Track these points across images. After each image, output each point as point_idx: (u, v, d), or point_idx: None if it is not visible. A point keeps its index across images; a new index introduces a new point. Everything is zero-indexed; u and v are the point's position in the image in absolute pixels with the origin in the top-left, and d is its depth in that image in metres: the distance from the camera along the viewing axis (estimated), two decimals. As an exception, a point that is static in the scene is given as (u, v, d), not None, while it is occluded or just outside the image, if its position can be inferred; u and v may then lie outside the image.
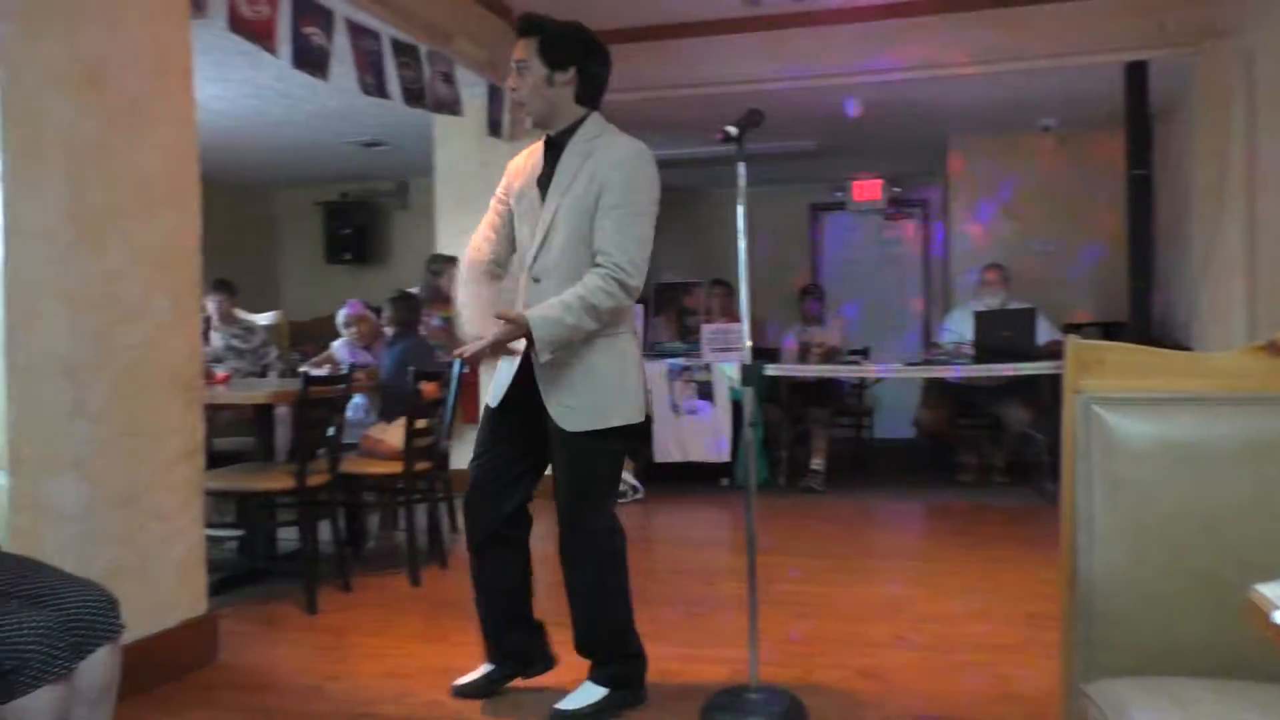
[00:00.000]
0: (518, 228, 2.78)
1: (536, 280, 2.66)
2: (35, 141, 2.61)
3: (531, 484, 2.81)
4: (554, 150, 2.71)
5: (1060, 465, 1.76)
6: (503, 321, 2.56)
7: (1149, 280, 5.61)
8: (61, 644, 1.84)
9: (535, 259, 2.67)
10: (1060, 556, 1.73)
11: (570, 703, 2.71)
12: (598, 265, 2.57)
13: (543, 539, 2.85)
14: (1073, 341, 1.75)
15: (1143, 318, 5.60)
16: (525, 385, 2.68)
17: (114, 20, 2.85)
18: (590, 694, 2.72)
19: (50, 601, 1.97)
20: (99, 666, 2.00)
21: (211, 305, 5.79)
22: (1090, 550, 1.65)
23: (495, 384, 2.79)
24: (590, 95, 2.71)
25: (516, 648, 2.87)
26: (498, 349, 2.63)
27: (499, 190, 2.86)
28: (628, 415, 2.66)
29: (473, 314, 2.77)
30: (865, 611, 3.70)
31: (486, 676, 2.86)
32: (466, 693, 2.84)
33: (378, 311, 5.51)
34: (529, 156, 2.80)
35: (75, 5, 2.73)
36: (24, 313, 2.57)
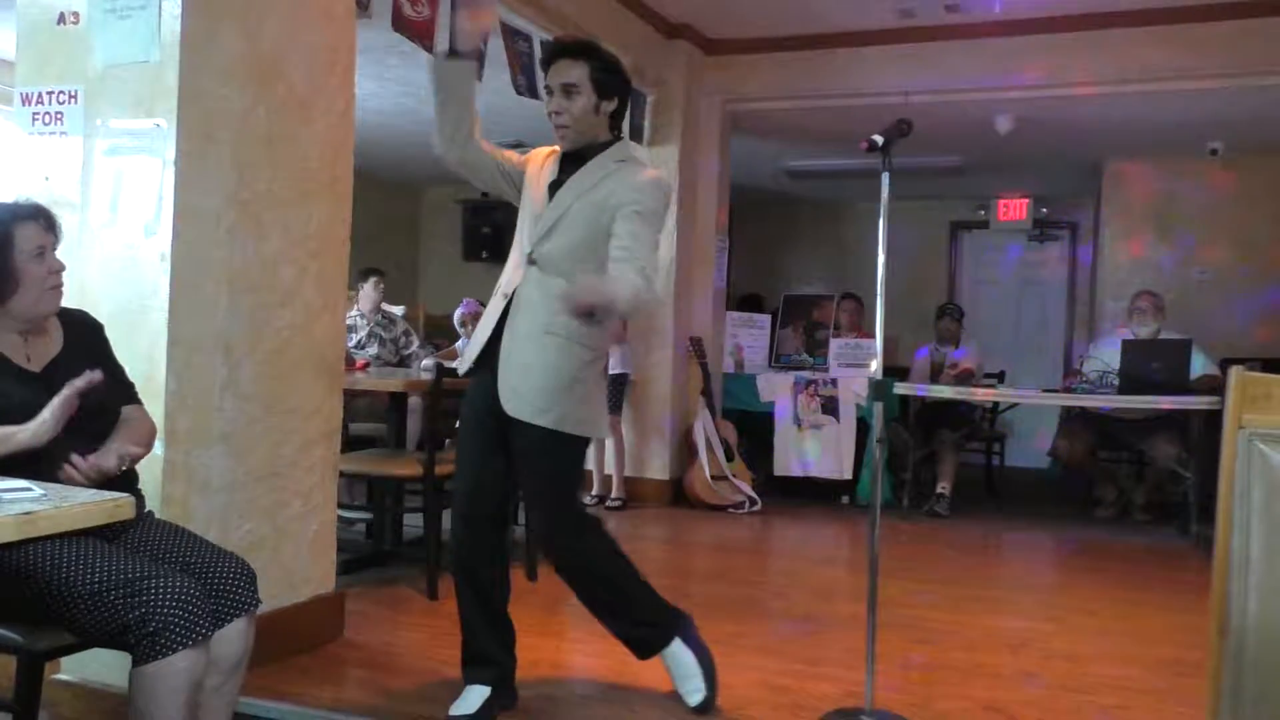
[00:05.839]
0: (521, 213, 2.78)
1: (533, 263, 2.66)
2: (209, 128, 2.75)
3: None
4: (575, 161, 2.71)
5: (1211, 506, 1.65)
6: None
7: (1322, 315, 5.24)
8: (203, 612, 1.94)
9: (536, 243, 2.66)
10: (1211, 602, 1.63)
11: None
12: (622, 261, 2.49)
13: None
14: (1238, 373, 1.64)
15: (1314, 354, 5.23)
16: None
17: (290, 17, 2.99)
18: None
19: (197, 570, 2.08)
20: (235, 637, 2.10)
21: (373, 292, 5.92)
22: (1245, 597, 1.54)
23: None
24: (618, 126, 2.77)
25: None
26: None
27: (515, 154, 2.85)
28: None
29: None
30: (990, 643, 3.57)
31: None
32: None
33: None
34: (548, 156, 2.79)
35: (256, 2, 2.87)
36: (189, 290, 2.71)
